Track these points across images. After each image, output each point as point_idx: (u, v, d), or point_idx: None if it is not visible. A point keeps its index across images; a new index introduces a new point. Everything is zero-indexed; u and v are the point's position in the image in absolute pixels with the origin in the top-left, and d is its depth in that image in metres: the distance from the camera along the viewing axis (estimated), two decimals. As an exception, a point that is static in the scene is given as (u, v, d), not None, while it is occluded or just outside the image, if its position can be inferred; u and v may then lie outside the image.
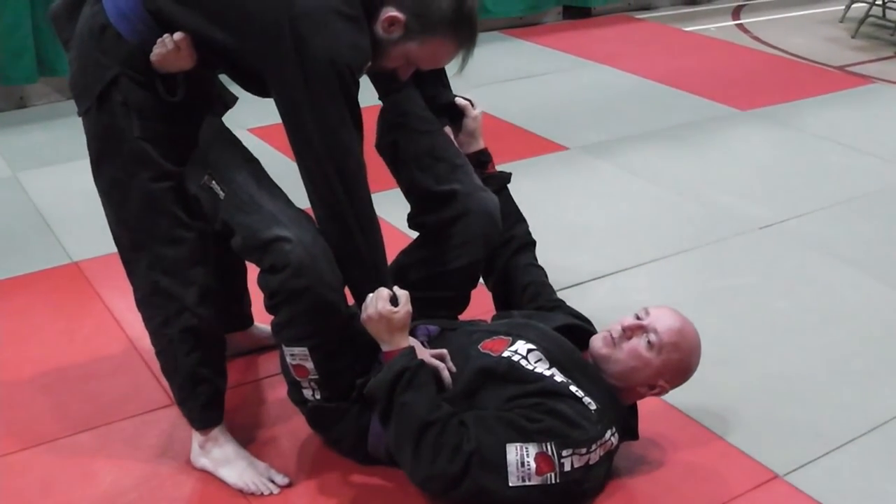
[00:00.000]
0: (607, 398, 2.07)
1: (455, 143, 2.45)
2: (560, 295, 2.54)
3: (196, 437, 2.20)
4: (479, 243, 2.33)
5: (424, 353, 2.08)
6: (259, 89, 2.03)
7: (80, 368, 2.60)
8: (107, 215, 2.13)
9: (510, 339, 2.13)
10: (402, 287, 2.05)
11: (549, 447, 1.94)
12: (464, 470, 1.91)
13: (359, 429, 2.14)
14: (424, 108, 2.39)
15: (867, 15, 6.37)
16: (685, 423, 2.38)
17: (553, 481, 1.94)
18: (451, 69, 2.11)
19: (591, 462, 1.98)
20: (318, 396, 2.13)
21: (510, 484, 1.92)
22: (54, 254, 3.26)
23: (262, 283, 2.03)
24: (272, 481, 2.14)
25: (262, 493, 2.12)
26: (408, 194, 2.42)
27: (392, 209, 2.62)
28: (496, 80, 5.21)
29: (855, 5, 6.62)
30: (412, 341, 2.07)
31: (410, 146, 2.35)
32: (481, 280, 2.50)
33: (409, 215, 2.43)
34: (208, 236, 2.13)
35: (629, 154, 4.20)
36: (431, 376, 2.02)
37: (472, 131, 2.48)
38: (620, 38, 6.29)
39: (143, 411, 2.42)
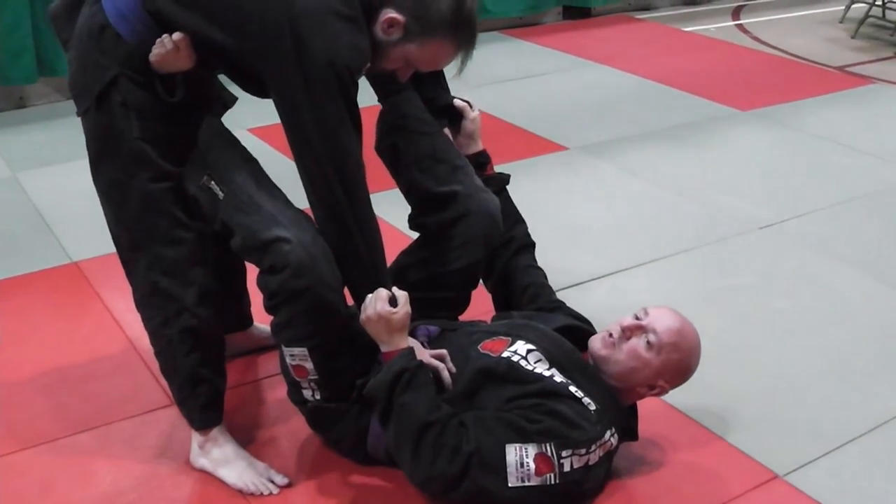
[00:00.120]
0: (607, 399, 2.07)
1: (454, 144, 2.45)
2: (560, 295, 2.54)
3: (195, 438, 2.20)
4: (479, 244, 2.33)
5: (424, 354, 2.08)
6: (258, 90, 2.03)
7: (80, 369, 2.60)
8: (106, 215, 2.13)
9: (510, 339, 2.13)
10: (402, 287, 2.05)
11: (548, 448, 1.93)
12: (463, 470, 1.91)
13: (358, 429, 2.14)
14: (424, 109, 2.39)
15: (867, 15, 6.37)
16: (685, 424, 2.37)
17: (552, 482, 1.94)
18: (450, 71, 2.11)
19: (590, 462, 1.98)
20: (317, 397, 2.13)
21: (510, 484, 1.92)
22: (54, 254, 3.26)
23: (261, 283, 2.03)
24: (272, 481, 2.14)
25: (261, 494, 2.12)
26: (408, 196, 2.42)
27: (391, 209, 2.62)
28: (496, 80, 5.21)
29: (855, 6, 6.63)
30: (412, 342, 2.07)
31: (410, 148, 2.35)
32: (481, 281, 2.50)
33: (409, 216, 2.43)
34: (207, 237, 2.13)
35: (629, 154, 4.20)
36: (431, 377, 2.02)
37: (471, 133, 2.48)
38: (620, 38, 6.29)
39: (143, 411, 2.42)
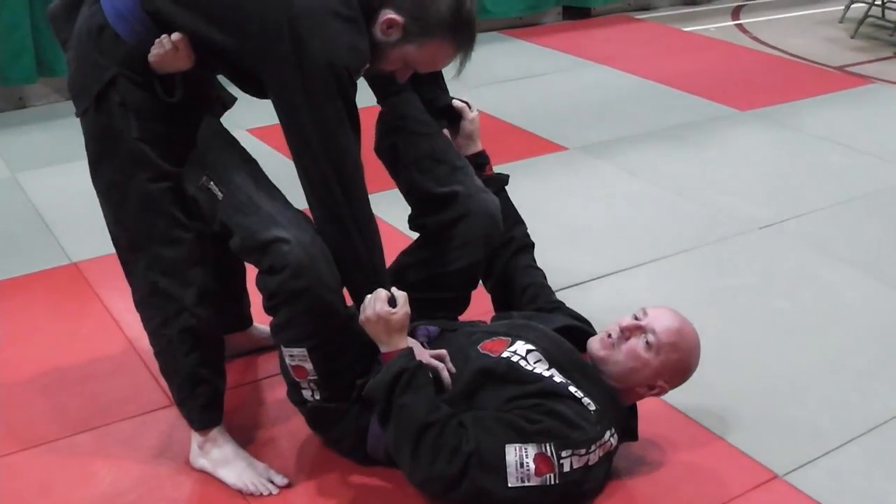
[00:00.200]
0: (607, 399, 2.07)
1: (454, 145, 2.45)
2: (559, 295, 2.54)
3: (195, 438, 2.20)
4: (479, 244, 2.33)
5: (424, 354, 2.08)
6: (257, 90, 2.03)
7: (80, 369, 2.60)
8: (105, 216, 2.13)
9: (509, 339, 2.13)
10: (401, 288, 2.05)
11: (548, 448, 1.93)
12: (463, 471, 1.91)
13: (358, 429, 2.14)
14: (423, 110, 2.39)
15: (866, 15, 6.37)
16: (685, 424, 2.37)
17: (552, 482, 1.94)
18: (449, 72, 2.11)
19: (590, 463, 1.98)
20: (317, 397, 2.13)
21: (509, 485, 1.92)
22: (53, 254, 3.26)
23: (260, 284, 2.03)
24: (271, 482, 2.14)
25: (261, 494, 2.12)
26: (408, 196, 2.42)
27: (391, 210, 2.62)
28: (496, 80, 5.21)
29: (854, 6, 6.63)
30: (411, 342, 2.07)
31: (410, 149, 2.35)
32: (481, 281, 2.50)
33: (409, 217, 2.43)
34: (207, 237, 2.13)
35: (629, 154, 4.20)
36: (430, 377, 2.02)
37: (470, 133, 2.48)
38: (620, 38, 6.29)
39: (143, 412, 2.41)
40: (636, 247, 3.34)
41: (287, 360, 2.09)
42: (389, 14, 1.95)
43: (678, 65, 5.60)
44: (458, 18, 1.98)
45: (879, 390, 2.53)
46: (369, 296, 2.00)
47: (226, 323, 2.37)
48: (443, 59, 2.05)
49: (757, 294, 3.03)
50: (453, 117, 2.46)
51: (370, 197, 2.03)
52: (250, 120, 3.38)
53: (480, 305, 2.53)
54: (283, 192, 2.13)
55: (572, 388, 2.03)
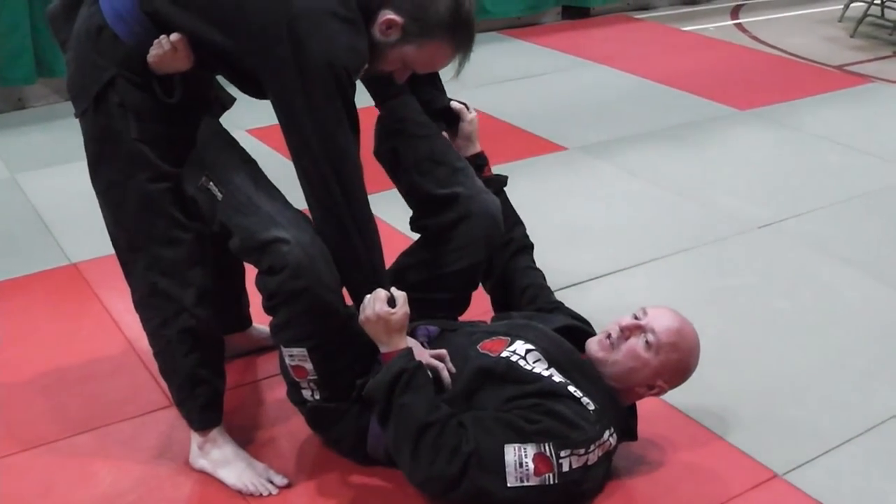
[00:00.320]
0: (606, 399, 2.07)
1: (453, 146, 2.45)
2: (559, 295, 2.54)
3: (195, 439, 2.20)
4: (481, 245, 2.32)
5: (424, 354, 2.08)
6: (256, 91, 2.03)
7: (79, 370, 2.60)
8: (104, 216, 2.13)
9: (509, 339, 2.13)
10: (402, 288, 2.05)
11: (547, 448, 1.93)
12: (462, 471, 1.91)
13: (358, 429, 2.14)
14: (421, 112, 2.38)
15: (865, 14, 6.37)
16: (684, 423, 2.37)
17: (551, 482, 1.94)
18: (448, 72, 2.10)
19: (589, 462, 1.98)
20: (317, 397, 2.12)
21: (508, 484, 1.92)
22: (53, 255, 3.26)
23: (260, 284, 2.03)
24: (271, 482, 2.14)
25: (260, 494, 2.12)
26: (409, 199, 2.41)
27: (390, 210, 2.62)
28: (495, 80, 5.21)
29: (853, 5, 6.63)
30: (411, 342, 2.07)
31: (410, 152, 2.35)
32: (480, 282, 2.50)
33: (411, 219, 2.42)
34: (206, 237, 2.13)
35: (628, 154, 4.20)
36: (430, 377, 2.02)
37: (469, 135, 2.47)
38: (619, 38, 6.29)
39: (142, 412, 2.41)
40: (636, 247, 3.34)
41: (287, 360, 2.09)
42: (388, 14, 1.95)
43: (677, 64, 5.60)
44: (456, 19, 1.98)
45: (879, 390, 2.54)
46: (369, 296, 2.00)
47: (225, 323, 2.37)
48: (442, 59, 2.05)
49: (756, 294, 3.03)
50: (452, 119, 2.46)
51: (370, 197, 2.03)
52: (250, 120, 3.38)
53: (480, 305, 2.53)
54: (283, 192, 2.12)
55: (571, 388, 2.03)
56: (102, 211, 2.12)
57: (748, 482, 2.17)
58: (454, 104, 2.46)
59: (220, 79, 2.18)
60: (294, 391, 2.17)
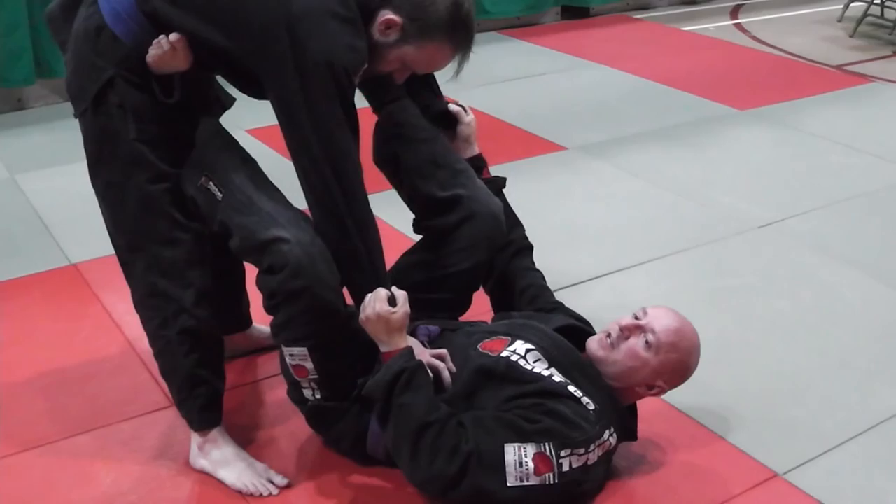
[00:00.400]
0: (606, 398, 2.07)
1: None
2: (558, 295, 2.54)
3: (195, 439, 2.20)
4: (483, 246, 2.32)
5: (425, 354, 2.08)
6: (255, 91, 2.03)
7: (79, 370, 2.60)
8: (104, 217, 2.13)
9: (509, 339, 2.13)
10: (403, 288, 2.05)
11: (547, 447, 1.93)
12: (462, 471, 1.91)
13: (358, 429, 2.14)
14: (420, 116, 2.38)
15: (865, 14, 6.37)
16: (685, 423, 2.37)
17: (551, 481, 1.94)
18: (447, 73, 2.10)
19: (589, 462, 1.98)
20: (317, 396, 2.12)
21: (508, 484, 1.92)
22: (52, 256, 3.26)
23: (260, 283, 2.03)
24: (271, 482, 2.14)
25: (261, 495, 2.12)
26: (411, 203, 2.40)
27: (390, 210, 2.62)
28: (494, 80, 5.20)
29: (853, 4, 6.63)
30: (411, 341, 2.07)
31: (410, 155, 2.34)
32: (480, 282, 2.50)
33: (414, 221, 2.41)
34: (205, 237, 2.13)
35: (628, 154, 4.20)
36: (430, 377, 2.02)
37: (467, 137, 2.47)
38: (619, 38, 6.29)
39: (142, 413, 2.41)
40: (635, 246, 3.34)
41: (288, 360, 2.09)
42: (388, 15, 1.96)
43: (677, 64, 5.60)
44: (456, 19, 1.98)
45: (879, 389, 2.54)
46: (369, 295, 2.00)
47: (225, 323, 2.37)
48: (441, 60, 2.05)
49: (756, 293, 3.03)
50: (449, 122, 2.45)
51: (370, 197, 2.03)
52: (249, 121, 3.38)
53: (481, 305, 2.53)
54: (283, 192, 2.12)
55: (571, 388, 2.03)
56: (102, 211, 2.13)
57: (748, 482, 2.17)
58: (451, 107, 2.45)
59: (220, 79, 2.18)
60: (294, 390, 2.16)
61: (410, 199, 2.39)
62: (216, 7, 1.92)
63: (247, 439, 2.29)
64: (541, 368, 2.05)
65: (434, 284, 2.32)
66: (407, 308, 2.01)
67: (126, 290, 2.17)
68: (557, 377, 2.04)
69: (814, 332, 2.81)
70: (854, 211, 3.64)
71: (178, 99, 2.02)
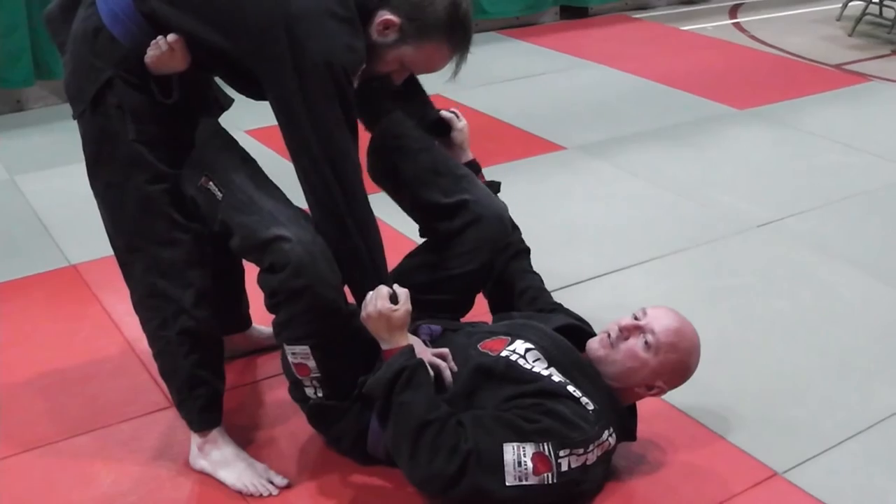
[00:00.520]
0: (606, 399, 2.07)
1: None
2: (557, 294, 2.54)
3: (194, 439, 2.20)
4: (488, 248, 2.31)
5: (426, 353, 2.07)
6: (254, 92, 2.03)
7: (79, 371, 2.60)
8: (103, 218, 2.13)
9: (509, 338, 2.13)
10: (409, 289, 2.05)
11: (546, 447, 1.93)
12: (461, 470, 1.91)
13: (359, 427, 2.14)
14: (414, 127, 2.36)
15: (864, 13, 6.37)
16: (684, 423, 2.37)
17: (550, 481, 1.94)
18: (445, 74, 2.10)
19: (588, 462, 1.98)
20: (319, 395, 2.12)
21: (507, 483, 1.92)
22: (52, 257, 3.26)
23: (261, 282, 2.03)
24: (271, 482, 2.14)
25: (261, 495, 2.12)
26: (414, 213, 2.38)
27: (390, 210, 2.61)
28: (493, 80, 5.21)
29: (851, 3, 6.63)
30: (413, 339, 2.07)
31: (410, 166, 2.32)
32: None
33: (420, 228, 2.41)
34: (205, 238, 2.13)
35: (627, 154, 4.20)
36: (430, 375, 2.01)
37: (461, 143, 2.46)
38: (617, 37, 6.29)
39: (142, 413, 2.41)
40: (635, 246, 3.34)
41: (289, 358, 2.08)
42: (386, 15, 1.96)
43: (676, 64, 5.61)
44: (454, 20, 1.98)
45: (878, 388, 2.54)
46: (371, 292, 2.00)
47: (225, 324, 2.37)
48: (439, 60, 2.05)
49: (756, 293, 3.03)
50: (443, 129, 2.44)
51: (370, 197, 2.03)
52: (248, 121, 3.38)
53: (482, 306, 2.53)
54: (283, 191, 2.12)
55: (571, 388, 2.03)
56: (101, 212, 2.13)
57: (748, 481, 2.18)
58: (444, 113, 2.44)
59: (219, 80, 2.18)
60: (296, 389, 2.16)
61: (414, 209, 2.38)
62: (214, 7, 1.92)
63: (247, 439, 2.29)
64: (540, 368, 2.05)
65: (437, 286, 2.31)
66: (408, 306, 2.01)
67: (126, 291, 2.17)
68: (557, 377, 2.04)
69: (813, 331, 2.82)
70: (853, 210, 3.64)
71: (176, 100, 2.02)
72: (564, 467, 1.94)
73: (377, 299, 1.99)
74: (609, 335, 2.12)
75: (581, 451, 1.96)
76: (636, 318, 2.11)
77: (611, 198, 3.77)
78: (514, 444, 1.93)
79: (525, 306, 2.41)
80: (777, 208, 3.63)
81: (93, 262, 3.16)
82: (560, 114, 4.75)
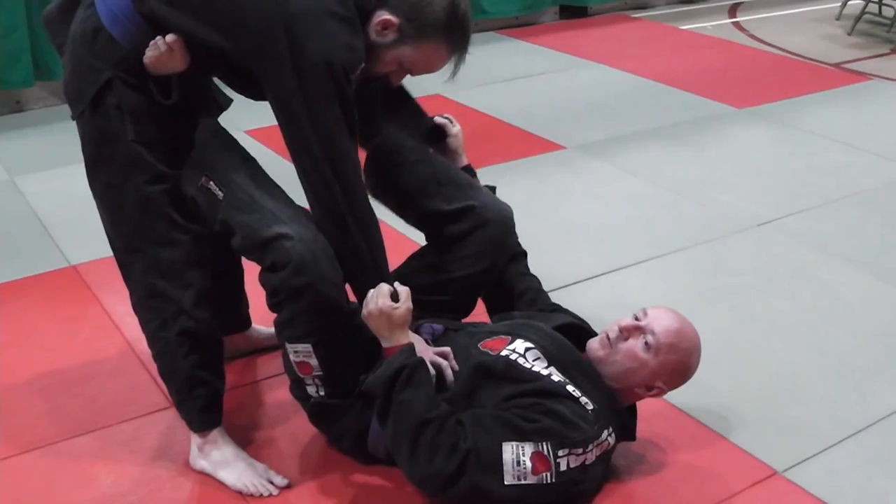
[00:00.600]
0: (605, 398, 2.07)
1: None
2: (557, 294, 2.55)
3: (194, 440, 2.20)
4: (493, 251, 2.31)
5: (428, 352, 2.08)
6: (253, 92, 2.03)
7: (79, 371, 2.60)
8: (102, 219, 2.13)
9: (510, 338, 2.13)
10: (411, 289, 2.04)
11: (545, 447, 1.93)
12: (460, 468, 1.91)
13: (360, 426, 2.14)
14: (409, 137, 2.36)
15: (863, 12, 6.37)
16: (684, 422, 2.38)
17: (549, 481, 1.94)
18: (443, 74, 2.10)
19: (587, 462, 1.98)
20: (321, 393, 2.12)
21: (506, 482, 1.92)
22: (52, 258, 3.26)
23: (263, 280, 2.02)
24: (271, 482, 2.14)
25: (261, 495, 2.12)
26: (421, 224, 2.37)
27: (390, 211, 2.62)
28: (493, 80, 5.21)
29: (851, 2, 6.63)
30: (414, 337, 2.07)
31: (412, 179, 2.31)
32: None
33: (426, 236, 2.40)
34: (204, 238, 2.13)
35: (626, 153, 4.20)
36: (430, 374, 2.01)
37: (456, 149, 2.45)
38: (617, 37, 6.29)
39: (142, 414, 2.41)
40: (634, 245, 3.34)
41: (291, 357, 2.08)
42: (385, 15, 1.96)
43: (675, 63, 5.61)
44: (453, 20, 1.98)
45: (878, 387, 2.54)
46: (372, 290, 2.00)
47: (224, 324, 2.37)
48: (438, 60, 2.05)
49: (755, 292, 3.03)
50: (437, 135, 2.44)
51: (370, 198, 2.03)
52: (248, 122, 3.38)
53: (483, 306, 2.53)
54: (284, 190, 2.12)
55: (570, 388, 2.03)
56: (100, 213, 2.13)
57: (748, 480, 2.18)
58: (438, 119, 2.43)
59: (217, 80, 2.18)
60: (297, 387, 2.16)
61: (419, 221, 2.37)
62: (213, 7, 1.92)
63: (246, 440, 2.29)
64: (540, 367, 2.05)
65: (440, 287, 2.31)
66: (409, 304, 2.01)
67: (125, 292, 2.17)
68: (556, 376, 2.04)
69: (813, 330, 2.82)
70: (853, 209, 3.64)
71: (175, 100, 2.02)
72: (563, 467, 1.94)
73: (378, 297, 1.99)
74: (608, 336, 2.12)
75: (580, 450, 1.96)
76: (637, 319, 2.11)
77: (610, 197, 3.77)
78: (513, 444, 1.93)
79: (525, 308, 2.41)
80: (776, 207, 3.63)
81: (93, 263, 3.16)
82: (559, 113, 4.75)
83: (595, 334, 2.22)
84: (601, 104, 4.91)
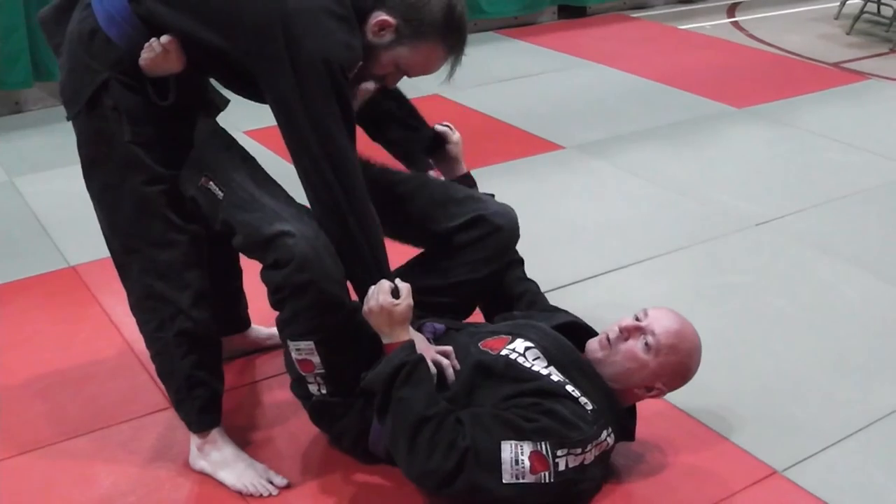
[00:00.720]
0: (604, 399, 2.07)
1: (441, 175, 2.43)
2: (556, 293, 2.55)
3: (194, 440, 2.20)
4: (500, 257, 2.31)
5: (430, 350, 2.07)
6: (251, 93, 2.03)
7: (78, 372, 2.60)
8: (99, 220, 2.13)
9: (510, 337, 2.13)
10: (413, 290, 2.04)
11: (543, 446, 1.93)
12: (458, 466, 1.91)
13: (361, 425, 2.14)
14: (395, 170, 2.36)
15: (862, 11, 6.37)
16: (684, 422, 2.37)
17: (547, 480, 1.93)
18: (440, 75, 2.10)
19: (585, 462, 1.98)
20: (323, 391, 2.12)
21: (504, 481, 1.91)
22: (51, 258, 3.26)
23: (265, 278, 2.02)
24: (271, 483, 2.14)
25: (260, 495, 2.12)
26: (432, 246, 2.35)
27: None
28: (492, 80, 5.21)
29: (849, 2, 6.63)
30: (416, 336, 2.06)
31: (413, 209, 2.32)
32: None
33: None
34: (202, 239, 2.13)
35: (625, 153, 4.20)
36: (430, 371, 2.01)
37: (456, 156, 2.45)
38: (616, 37, 6.29)
39: (141, 414, 2.41)
40: (633, 245, 3.34)
41: (293, 355, 2.08)
42: (382, 16, 1.96)
43: (674, 63, 5.61)
44: (450, 21, 1.98)
45: (877, 386, 2.54)
46: (373, 287, 2.00)
47: (224, 325, 2.37)
48: (435, 61, 2.05)
49: (755, 291, 3.03)
50: (437, 143, 2.44)
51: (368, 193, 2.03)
52: (247, 122, 3.38)
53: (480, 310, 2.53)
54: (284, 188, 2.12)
55: (570, 388, 2.03)
56: (98, 214, 2.12)
57: (748, 479, 2.18)
58: (437, 127, 2.43)
59: (215, 81, 2.18)
60: (299, 386, 2.16)
61: (431, 245, 2.36)
62: (210, 6, 1.92)
63: (246, 440, 2.29)
64: (539, 367, 2.05)
65: (444, 290, 2.31)
66: (410, 301, 2.01)
67: (125, 292, 2.17)
68: (556, 376, 2.04)
69: (813, 329, 2.82)
70: (852, 208, 3.64)
71: (172, 101, 2.02)
72: (562, 467, 1.94)
73: (379, 294, 1.99)
74: (608, 336, 2.12)
75: (579, 450, 1.96)
76: (637, 319, 2.11)
77: (609, 197, 3.77)
78: (512, 443, 1.93)
79: (524, 310, 2.40)
80: (776, 206, 3.63)
81: (92, 264, 3.16)
82: (558, 113, 4.75)
83: (595, 334, 2.22)
84: (600, 104, 4.91)
